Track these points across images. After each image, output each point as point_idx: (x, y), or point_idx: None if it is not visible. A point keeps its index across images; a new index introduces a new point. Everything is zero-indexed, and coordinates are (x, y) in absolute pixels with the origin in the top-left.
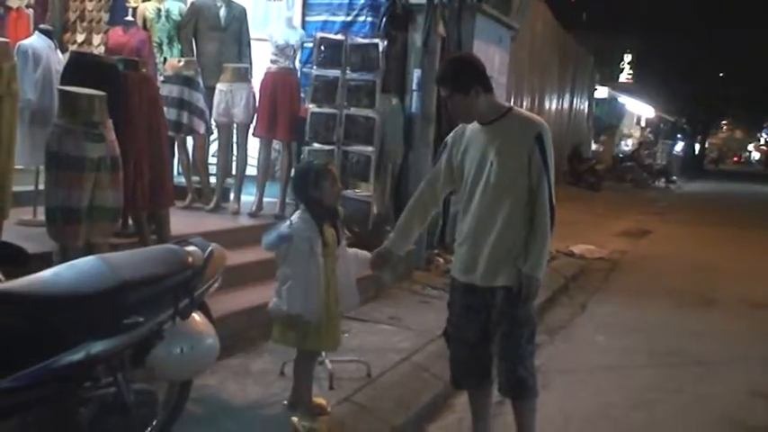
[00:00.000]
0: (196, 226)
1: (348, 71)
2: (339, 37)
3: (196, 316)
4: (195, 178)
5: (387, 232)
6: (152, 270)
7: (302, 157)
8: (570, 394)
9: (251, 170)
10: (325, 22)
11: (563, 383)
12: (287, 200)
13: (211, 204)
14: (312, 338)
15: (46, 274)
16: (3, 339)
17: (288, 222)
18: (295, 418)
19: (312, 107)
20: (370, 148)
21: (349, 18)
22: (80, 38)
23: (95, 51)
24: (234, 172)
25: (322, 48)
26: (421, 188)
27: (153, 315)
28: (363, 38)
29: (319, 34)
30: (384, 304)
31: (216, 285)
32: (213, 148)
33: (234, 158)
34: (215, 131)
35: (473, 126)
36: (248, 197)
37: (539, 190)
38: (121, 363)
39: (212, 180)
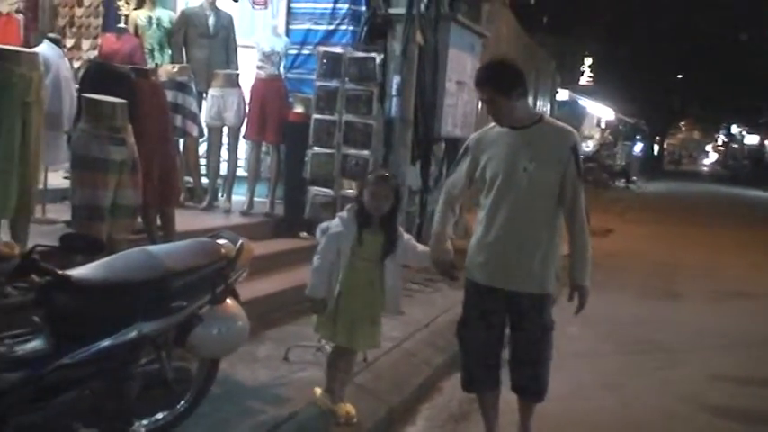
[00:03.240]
0: (193, 224)
1: (347, 81)
2: (339, 50)
3: (229, 301)
4: (187, 179)
5: None
6: (192, 261)
7: (306, 160)
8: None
9: (239, 171)
10: (309, 30)
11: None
12: (275, 199)
13: (204, 203)
14: (342, 335)
15: (100, 264)
16: (66, 320)
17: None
18: (318, 390)
19: (315, 114)
20: (367, 152)
21: (331, 27)
22: (69, 43)
23: (84, 56)
24: (224, 173)
25: (324, 60)
26: (446, 194)
27: (193, 300)
28: (357, 49)
29: (322, 48)
30: None
31: (245, 274)
32: (201, 149)
33: (224, 160)
34: (206, 134)
35: (498, 130)
36: (237, 197)
37: (576, 200)
38: (165, 342)
39: (203, 180)
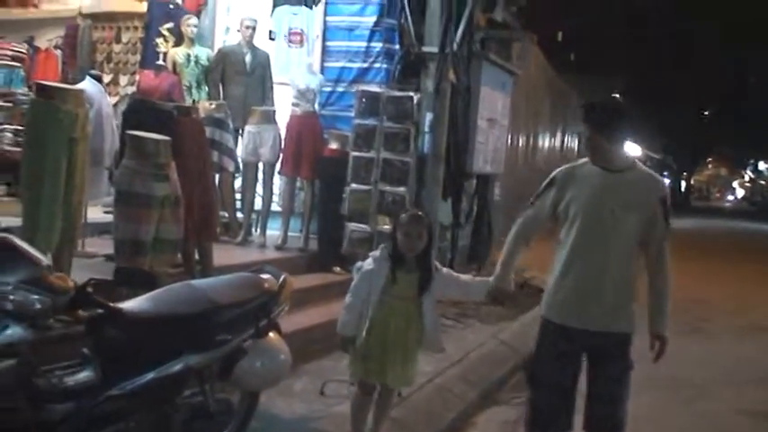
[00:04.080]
0: (229, 258)
1: (385, 120)
2: (377, 89)
3: (272, 334)
4: (222, 213)
5: None
6: (237, 294)
7: (344, 196)
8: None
9: (273, 206)
10: (343, 68)
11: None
12: (309, 234)
13: (239, 238)
14: (374, 373)
15: (147, 297)
16: (114, 352)
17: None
18: None
19: (353, 152)
20: (403, 189)
21: (365, 65)
22: (107, 78)
23: (122, 92)
24: (258, 207)
25: (363, 100)
26: (522, 226)
27: (238, 333)
28: (394, 89)
29: (360, 88)
30: None
31: (287, 308)
32: (236, 184)
33: (258, 195)
34: (241, 169)
35: (589, 168)
36: (271, 232)
37: (662, 252)
38: (209, 375)
39: (238, 215)
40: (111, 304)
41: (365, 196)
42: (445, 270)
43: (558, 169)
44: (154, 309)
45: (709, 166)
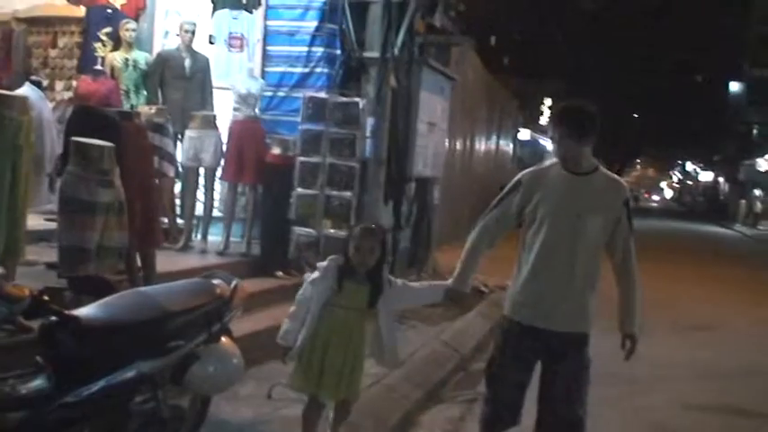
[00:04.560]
0: (171, 264)
1: (331, 125)
2: (324, 95)
3: (224, 339)
4: (162, 219)
5: None
6: (189, 301)
7: (291, 201)
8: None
9: (214, 212)
10: (284, 73)
11: None
12: (252, 239)
13: (180, 244)
14: (312, 384)
15: (99, 305)
16: (67, 360)
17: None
18: None
19: (300, 157)
20: (349, 194)
21: (306, 70)
22: (43, 84)
23: (58, 97)
24: (199, 213)
25: (310, 105)
26: (484, 228)
27: (190, 339)
28: (336, 94)
29: (308, 93)
30: None
31: (239, 313)
32: (176, 190)
33: (199, 200)
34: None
35: (556, 172)
36: (213, 237)
37: (628, 253)
38: (162, 380)
39: (179, 221)
40: (66, 312)
41: (312, 201)
42: (399, 282)
43: (523, 172)
44: (106, 316)
45: (638, 167)
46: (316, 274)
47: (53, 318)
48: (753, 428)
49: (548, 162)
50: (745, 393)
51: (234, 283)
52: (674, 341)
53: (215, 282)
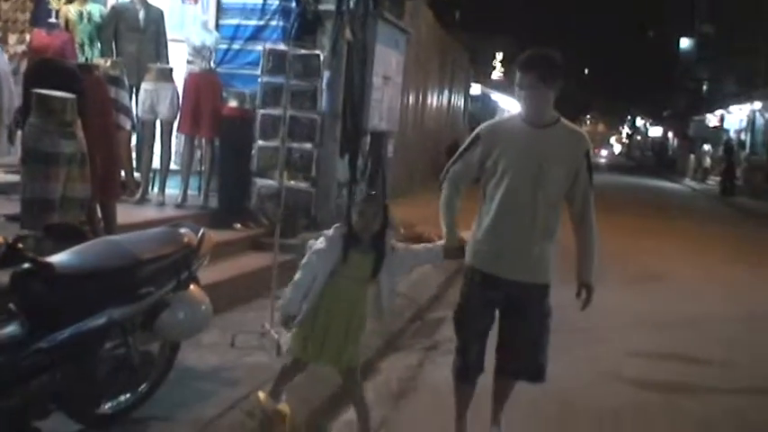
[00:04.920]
0: (130, 217)
1: (292, 78)
2: (284, 48)
3: (193, 287)
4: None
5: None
6: (158, 249)
7: (253, 153)
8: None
9: (171, 165)
10: (239, 25)
11: None
12: (209, 192)
13: (137, 197)
14: (309, 352)
15: (70, 253)
16: (40, 307)
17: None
18: (261, 394)
19: (261, 110)
20: (310, 145)
21: (262, 22)
22: None
23: (11, 50)
24: (156, 166)
25: (270, 58)
26: (451, 181)
27: (160, 286)
28: (292, 47)
29: (268, 46)
30: None
31: (206, 262)
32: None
33: (156, 154)
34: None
35: (514, 124)
36: (170, 190)
37: (586, 204)
38: (133, 327)
39: (136, 174)
40: (40, 259)
41: (273, 153)
42: (401, 246)
43: (481, 126)
44: (78, 263)
45: (588, 122)
46: (320, 245)
47: (26, 265)
48: (696, 374)
49: (506, 115)
50: (690, 341)
51: (201, 232)
52: (624, 291)
53: (182, 231)
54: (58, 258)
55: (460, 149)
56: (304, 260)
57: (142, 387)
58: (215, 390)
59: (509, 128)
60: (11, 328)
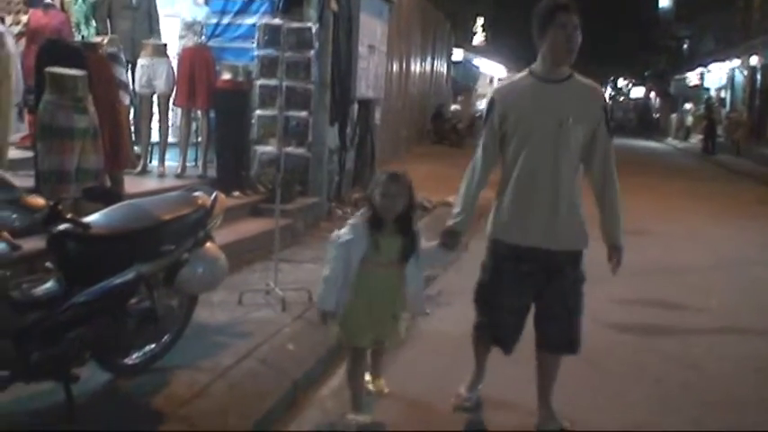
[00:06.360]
0: (134, 187)
1: (287, 50)
2: (278, 22)
3: (209, 244)
4: None
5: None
6: (177, 210)
7: (252, 122)
8: (466, 308)
9: (170, 137)
10: (227, 0)
11: (460, 301)
12: (207, 162)
13: (138, 168)
14: (354, 336)
15: (100, 215)
16: (75, 265)
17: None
18: (350, 416)
19: (259, 81)
20: (305, 113)
21: None
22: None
23: (6, 31)
24: (155, 139)
25: (265, 31)
26: (480, 163)
27: (180, 244)
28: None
29: (263, 21)
30: (303, 249)
31: (218, 222)
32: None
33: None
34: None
35: (528, 82)
36: (169, 162)
37: (608, 160)
38: (156, 282)
39: (135, 148)
40: (79, 220)
41: (271, 121)
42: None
43: (494, 88)
44: (108, 224)
45: None
46: (347, 234)
47: (63, 226)
48: (674, 317)
49: (519, 74)
50: (669, 289)
51: (214, 194)
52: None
53: (197, 194)
54: (88, 220)
55: (483, 120)
56: (331, 254)
57: (165, 338)
58: (229, 342)
59: (522, 87)
60: (49, 285)
